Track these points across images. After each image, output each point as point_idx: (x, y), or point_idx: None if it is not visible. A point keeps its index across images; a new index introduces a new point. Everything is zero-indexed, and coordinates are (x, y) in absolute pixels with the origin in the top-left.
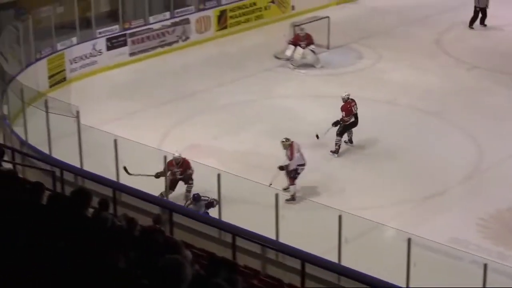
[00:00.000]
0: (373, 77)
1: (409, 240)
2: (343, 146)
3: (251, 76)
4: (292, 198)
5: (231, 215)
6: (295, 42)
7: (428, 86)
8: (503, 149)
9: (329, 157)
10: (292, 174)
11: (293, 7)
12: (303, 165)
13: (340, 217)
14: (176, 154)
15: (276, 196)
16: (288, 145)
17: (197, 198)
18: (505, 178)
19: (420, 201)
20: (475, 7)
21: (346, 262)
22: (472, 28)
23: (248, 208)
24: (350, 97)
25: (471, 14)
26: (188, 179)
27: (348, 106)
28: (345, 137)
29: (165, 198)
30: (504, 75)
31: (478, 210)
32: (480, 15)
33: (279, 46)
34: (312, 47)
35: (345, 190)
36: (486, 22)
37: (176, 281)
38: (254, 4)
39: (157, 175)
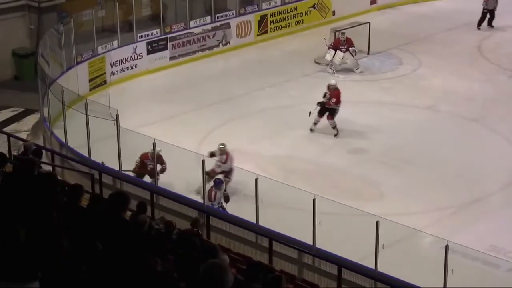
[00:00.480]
0: (413, 83)
1: (446, 247)
2: (378, 148)
3: (290, 80)
4: None
5: (268, 219)
6: (336, 46)
7: (468, 93)
8: None
9: (368, 162)
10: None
11: (333, 12)
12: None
13: (377, 223)
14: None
15: (314, 201)
16: (224, 151)
17: (218, 183)
18: None
19: (460, 207)
20: (483, 9)
21: (383, 268)
22: (479, 29)
23: (285, 212)
24: None
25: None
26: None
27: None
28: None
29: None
30: None
31: None
32: (488, 16)
33: (320, 51)
34: (352, 49)
35: (383, 196)
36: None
37: (219, 286)
38: (295, 9)
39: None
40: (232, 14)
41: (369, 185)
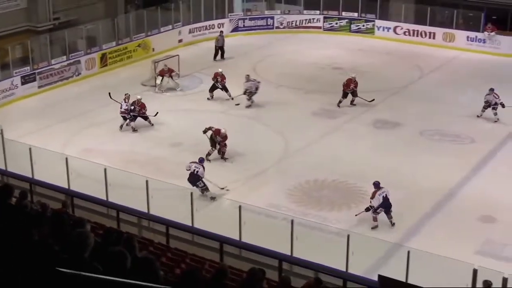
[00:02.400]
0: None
1: (240, 207)
2: (191, 142)
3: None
4: None
5: (117, 197)
6: (161, 74)
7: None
8: (299, 142)
9: (184, 151)
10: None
11: (153, 49)
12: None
13: (191, 194)
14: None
15: (147, 182)
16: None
17: (201, 160)
18: (303, 161)
19: (247, 179)
20: (215, 46)
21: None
22: (215, 60)
23: (129, 191)
24: None
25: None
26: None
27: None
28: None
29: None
30: (299, 90)
31: (287, 183)
32: (220, 52)
33: (144, 77)
34: (173, 74)
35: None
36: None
37: (84, 247)
38: (126, 48)
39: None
40: (82, 53)
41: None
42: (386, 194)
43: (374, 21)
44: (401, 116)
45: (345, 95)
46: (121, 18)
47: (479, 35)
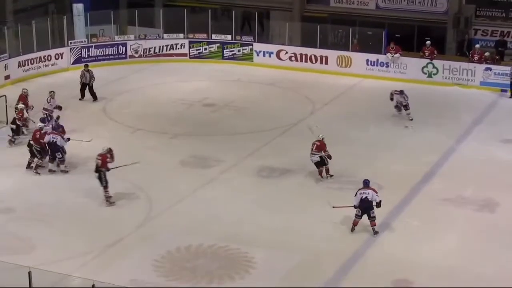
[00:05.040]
0: None
1: (93, 286)
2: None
3: None
4: None
5: None
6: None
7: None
8: (166, 199)
9: (17, 219)
10: None
11: None
12: None
13: (29, 274)
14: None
15: None
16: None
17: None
18: (170, 224)
19: (100, 251)
20: (81, 82)
21: None
22: (81, 100)
23: None
24: None
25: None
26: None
27: None
28: None
29: None
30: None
31: (152, 253)
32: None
33: None
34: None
35: (35, 248)
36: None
37: None
38: None
39: None
40: None
41: (20, 240)
42: (366, 197)
43: (252, 44)
44: (291, 161)
45: None
46: None
47: (381, 57)
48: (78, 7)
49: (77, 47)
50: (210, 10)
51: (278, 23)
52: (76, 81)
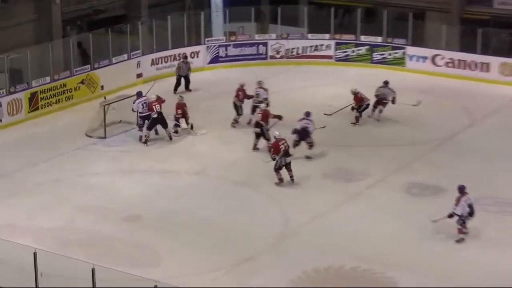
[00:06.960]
0: (183, 149)
1: None
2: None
3: (63, 155)
4: None
5: None
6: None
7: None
8: (304, 213)
9: (143, 228)
10: None
11: (102, 87)
12: None
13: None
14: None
15: (93, 270)
16: None
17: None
18: (307, 241)
19: (232, 267)
20: (177, 75)
21: None
22: (176, 93)
23: (66, 282)
24: None
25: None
26: None
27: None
28: None
29: None
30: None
31: (288, 273)
32: (183, 81)
33: (91, 124)
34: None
35: (160, 260)
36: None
37: None
38: (65, 85)
39: None
40: (3, 93)
41: (145, 251)
42: (471, 202)
43: (404, 48)
44: (444, 179)
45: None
46: (57, 44)
47: None
48: (216, 3)
49: (215, 46)
50: (359, 9)
51: (435, 25)
52: (213, 82)
